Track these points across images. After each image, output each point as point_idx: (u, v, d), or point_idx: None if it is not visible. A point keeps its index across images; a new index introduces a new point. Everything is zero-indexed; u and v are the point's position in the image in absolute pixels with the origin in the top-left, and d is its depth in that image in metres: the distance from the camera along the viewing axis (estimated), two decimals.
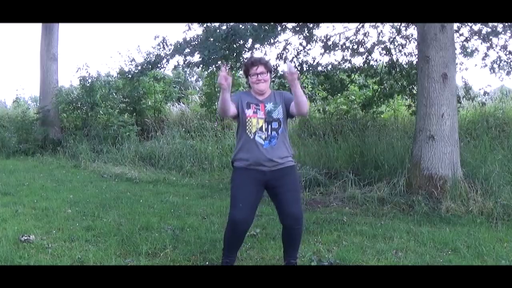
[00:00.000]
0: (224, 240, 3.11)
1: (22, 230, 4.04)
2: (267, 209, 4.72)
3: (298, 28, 6.89)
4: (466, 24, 6.94)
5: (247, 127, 2.99)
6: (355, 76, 8.47)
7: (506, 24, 6.26)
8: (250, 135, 2.98)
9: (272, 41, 6.59)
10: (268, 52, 9.54)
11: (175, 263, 3.36)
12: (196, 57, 6.17)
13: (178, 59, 6.42)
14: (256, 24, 5.71)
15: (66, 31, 39.49)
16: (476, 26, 6.93)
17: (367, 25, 7.67)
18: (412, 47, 7.74)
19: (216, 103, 11.03)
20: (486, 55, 7.27)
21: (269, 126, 2.98)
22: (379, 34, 7.83)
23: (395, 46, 7.90)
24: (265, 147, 2.97)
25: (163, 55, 6.55)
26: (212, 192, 6.14)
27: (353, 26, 7.72)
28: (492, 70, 7.29)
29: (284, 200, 3.01)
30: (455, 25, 6.54)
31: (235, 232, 3.01)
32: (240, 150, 3.04)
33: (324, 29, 17.45)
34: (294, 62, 7.59)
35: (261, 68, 3.02)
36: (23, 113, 11.75)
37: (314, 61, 7.81)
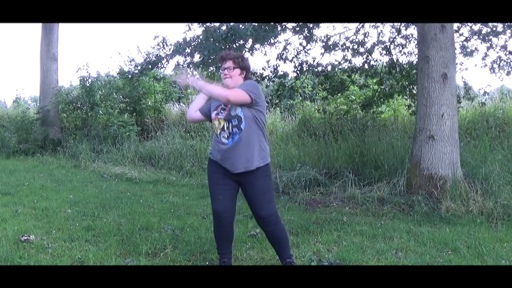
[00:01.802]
0: (215, 236, 3.17)
1: (22, 230, 4.04)
2: None
3: (298, 28, 6.89)
4: (466, 24, 6.95)
5: (215, 129, 3.06)
6: (355, 76, 8.48)
7: (506, 24, 6.27)
8: (218, 136, 3.04)
9: (272, 41, 6.59)
10: (268, 52, 9.57)
11: (175, 263, 3.36)
12: (196, 57, 6.18)
13: (178, 59, 6.43)
14: (256, 24, 5.71)
15: (66, 31, 39.54)
16: (476, 26, 6.94)
17: (367, 25, 7.67)
18: (412, 47, 7.75)
19: None
20: (486, 55, 7.28)
21: (230, 124, 2.97)
22: (379, 34, 7.84)
23: (395, 46, 7.90)
24: (229, 145, 2.97)
25: (163, 55, 6.56)
26: None
27: (353, 26, 7.73)
28: (492, 70, 7.30)
29: (253, 203, 3.03)
30: (455, 25, 6.55)
31: (222, 225, 3.06)
32: (213, 147, 3.13)
33: (324, 29, 17.56)
34: (294, 62, 7.59)
35: (228, 63, 3.02)
36: (23, 113, 11.75)
37: (314, 61, 7.81)
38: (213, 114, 3.06)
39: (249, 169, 2.95)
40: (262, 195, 3.01)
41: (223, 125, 2.99)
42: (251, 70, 3.19)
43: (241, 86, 2.99)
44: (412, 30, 7.50)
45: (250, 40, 6.12)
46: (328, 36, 7.69)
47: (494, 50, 7.20)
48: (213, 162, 3.09)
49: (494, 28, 6.64)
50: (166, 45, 6.56)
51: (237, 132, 2.95)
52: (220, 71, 3.08)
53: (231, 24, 5.80)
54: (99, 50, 47.29)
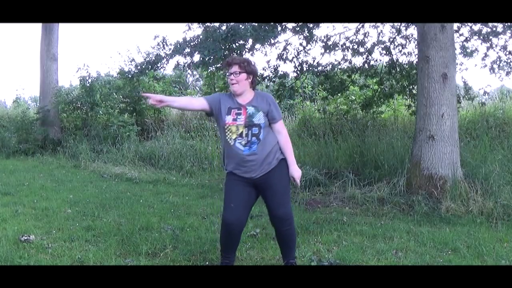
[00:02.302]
0: (220, 241, 3.12)
1: (22, 230, 4.04)
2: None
3: (298, 28, 6.89)
4: (466, 24, 6.95)
5: (227, 134, 2.94)
6: (355, 76, 8.48)
7: (506, 24, 6.27)
8: (230, 141, 2.94)
9: (272, 41, 6.59)
10: (268, 52, 9.57)
11: (175, 263, 3.36)
12: (196, 57, 6.18)
13: (178, 59, 6.43)
14: (256, 24, 5.71)
15: (66, 31, 39.51)
16: (476, 26, 6.94)
17: (367, 25, 7.67)
18: (412, 47, 7.75)
19: None
20: (486, 55, 7.28)
21: (249, 132, 2.90)
22: (379, 34, 7.84)
23: (395, 46, 7.90)
24: (245, 153, 2.91)
25: (163, 55, 6.55)
26: (212, 192, 6.14)
27: (353, 26, 7.73)
28: (492, 70, 7.30)
29: (271, 203, 3.00)
30: (455, 25, 6.54)
31: (230, 233, 3.00)
32: (226, 157, 3.05)
33: (324, 29, 17.55)
34: (294, 62, 7.59)
35: (234, 68, 2.95)
36: (23, 113, 11.74)
37: (314, 61, 7.81)
38: (228, 119, 2.93)
39: (268, 170, 2.95)
40: (280, 196, 2.99)
41: (242, 132, 2.90)
42: (257, 74, 3.15)
43: (266, 105, 2.95)
44: (412, 30, 7.50)
45: (250, 40, 6.11)
46: (328, 36, 7.69)
47: (494, 50, 7.20)
48: (230, 174, 3.04)
49: (494, 28, 6.64)
50: (166, 45, 6.56)
51: (255, 141, 2.90)
52: (227, 76, 3.02)
53: (231, 24, 5.80)
54: (99, 50, 47.33)
